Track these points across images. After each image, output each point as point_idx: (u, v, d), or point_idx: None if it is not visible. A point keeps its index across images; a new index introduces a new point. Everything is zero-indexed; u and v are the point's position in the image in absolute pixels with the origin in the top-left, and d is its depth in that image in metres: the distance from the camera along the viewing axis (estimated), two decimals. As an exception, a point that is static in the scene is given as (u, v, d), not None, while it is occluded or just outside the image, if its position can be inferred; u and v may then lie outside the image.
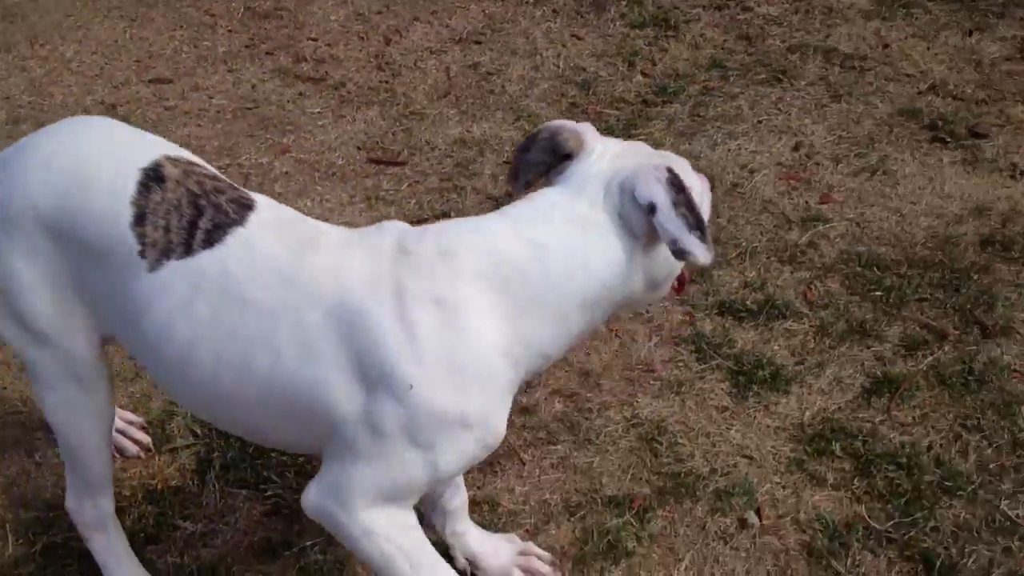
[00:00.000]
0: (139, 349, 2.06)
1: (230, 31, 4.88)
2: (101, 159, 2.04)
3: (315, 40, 4.77)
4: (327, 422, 1.92)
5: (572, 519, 2.67)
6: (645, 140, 3.94)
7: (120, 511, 2.69)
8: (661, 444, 2.83)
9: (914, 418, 2.85)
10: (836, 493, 2.69)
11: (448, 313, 1.85)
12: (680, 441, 2.84)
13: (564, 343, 1.98)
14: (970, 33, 4.43)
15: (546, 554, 2.55)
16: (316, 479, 2.00)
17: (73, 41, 4.84)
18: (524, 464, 2.81)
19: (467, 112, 4.28)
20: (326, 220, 3.69)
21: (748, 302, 3.24)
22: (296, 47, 4.73)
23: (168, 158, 2.05)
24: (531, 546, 2.54)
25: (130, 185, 1.98)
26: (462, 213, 3.64)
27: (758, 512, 2.66)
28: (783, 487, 2.72)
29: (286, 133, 4.18)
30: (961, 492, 2.65)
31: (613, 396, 2.98)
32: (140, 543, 2.63)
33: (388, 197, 3.84)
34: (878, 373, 2.98)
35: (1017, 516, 2.58)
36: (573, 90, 4.37)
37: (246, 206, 2.02)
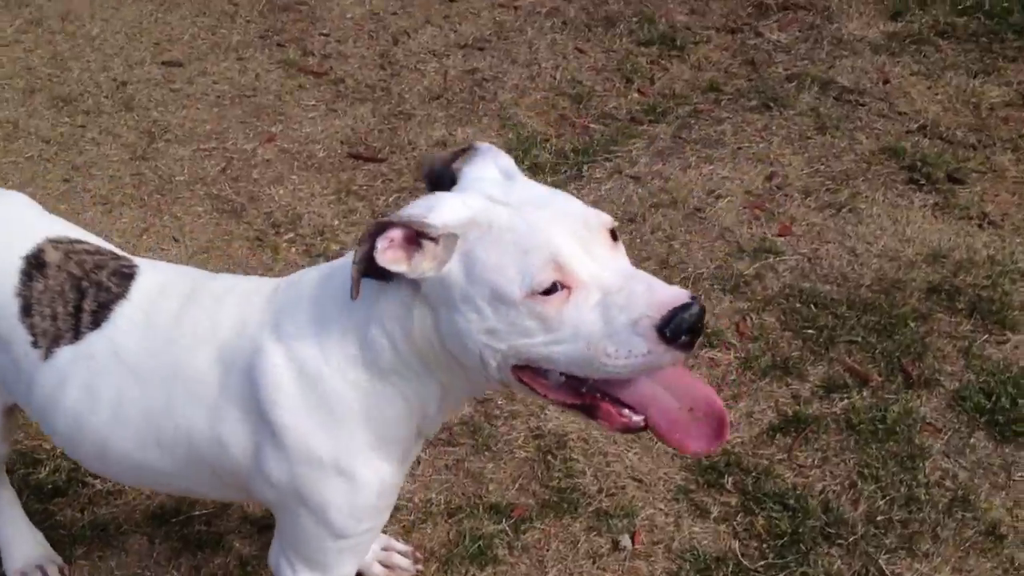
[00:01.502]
0: (56, 437, 2.07)
1: (248, 21, 5.02)
2: None
3: (326, 35, 4.89)
4: (238, 475, 1.93)
5: (450, 520, 2.71)
6: (623, 158, 3.99)
7: (38, 462, 2.85)
8: (556, 458, 2.85)
9: (814, 461, 2.82)
10: (716, 527, 2.68)
11: (311, 357, 1.79)
12: (575, 457, 2.86)
13: (432, 396, 1.80)
14: (975, 75, 4.32)
15: (407, 548, 2.60)
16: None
17: (101, 19, 5.04)
18: (419, 462, 2.86)
19: (455, 116, 4.33)
20: (295, 210, 3.84)
21: (680, 328, 3.22)
22: (307, 41, 4.85)
23: (50, 241, 2.06)
24: (393, 542, 2.60)
25: (13, 276, 2.01)
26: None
27: (633, 536, 2.66)
28: (665, 514, 2.72)
29: (276, 122, 4.30)
30: (842, 541, 2.61)
31: (524, 406, 3.01)
32: (48, 494, 2.78)
33: (360, 192, 3.93)
34: (789, 412, 2.95)
35: (893, 573, 2.54)
36: (565, 102, 4.39)
37: (127, 276, 2.02)
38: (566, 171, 3.98)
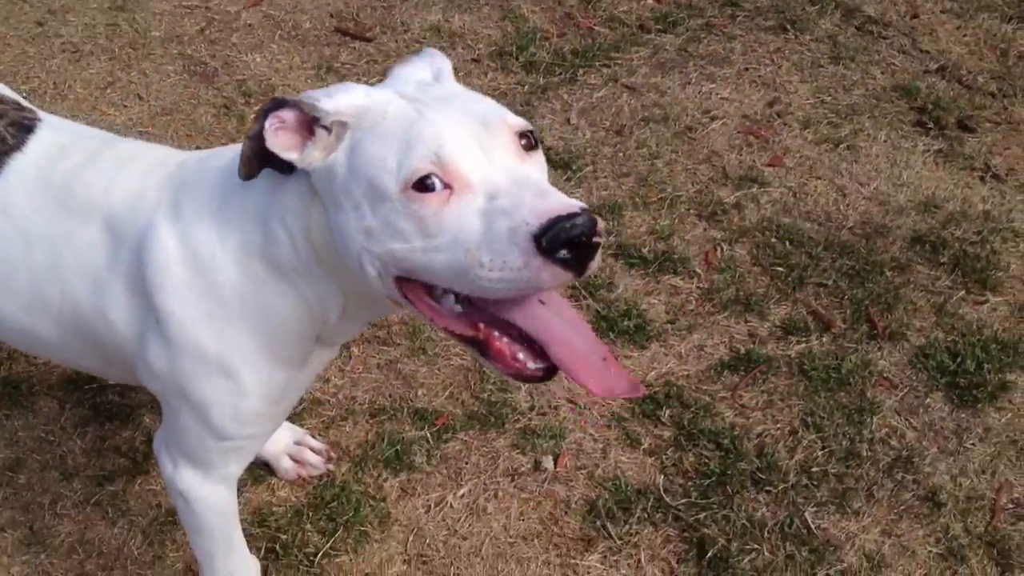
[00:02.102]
0: None
1: None
2: None
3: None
4: (123, 356, 1.80)
5: (371, 421, 2.62)
6: (622, 66, 3.79)
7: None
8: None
9: (758, 403, 2.69)
10: (644, 459, 2.57)
11: (206, 242, 1.65)
12: (512, 371, 2.74)
13: (332, 296, 1.64)
14: (1009, 20, 4.04)
15: (321, 446, 2.51)
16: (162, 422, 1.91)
17: None
18: (351, 358, 2.75)
19: (455, 1, 4.12)
20: (269, 81, 3.67)
21: (645, 250, 3.08)
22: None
23: None
24: (307, 438, 2.51)
25: None
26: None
27: (556, 459, 2.56)
28: (595, 440, 2.61)
29: (267, -13, 4.10)
30: (771, 488, 2.50)
31: (470, 313, 2.88)
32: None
33: (341, 70, 3.75)
34: (742, 350, 2.81)
35: (818, 527, 2.43)
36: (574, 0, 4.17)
37: (26, 129, 1.89)
38: (560, 73, 3.78)
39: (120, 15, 3.90)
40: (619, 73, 3.79)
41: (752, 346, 2.83)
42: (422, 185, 1.36)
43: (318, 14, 4.00)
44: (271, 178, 1.56)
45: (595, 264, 1.35)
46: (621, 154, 3.44)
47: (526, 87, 3.72)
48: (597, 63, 3.83)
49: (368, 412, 2.63)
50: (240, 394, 1.70)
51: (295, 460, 2.47)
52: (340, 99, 1.48)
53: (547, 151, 3.42)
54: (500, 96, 3.65)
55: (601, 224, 1.33)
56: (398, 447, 2.55)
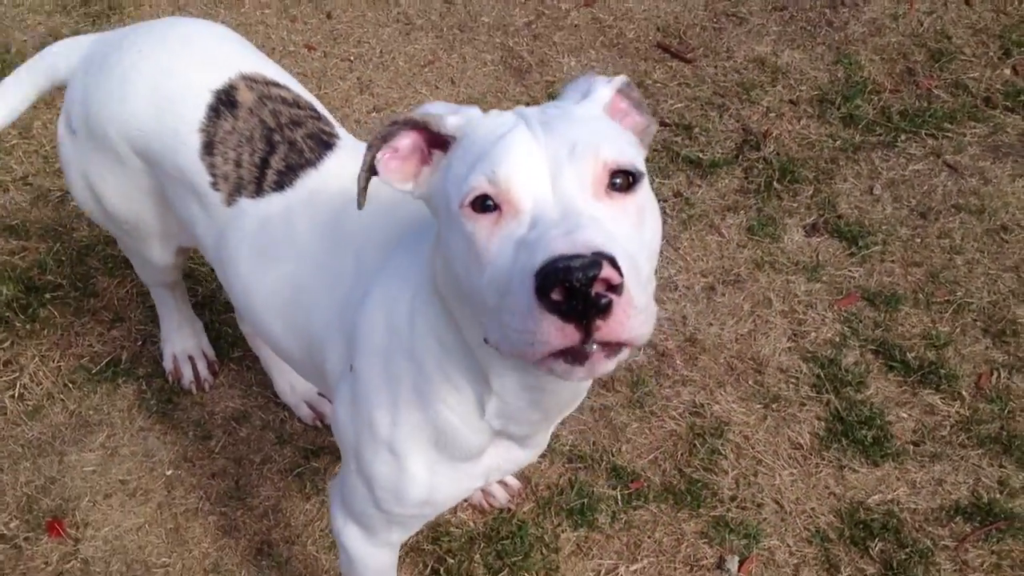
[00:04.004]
0: (216, 267, 2.03)
1: None
2: (174, 77, 1.93)
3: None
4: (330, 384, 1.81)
5: (568, 465, 2.60)
6: (950, 140, 3.46)
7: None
8: (704, 445, 2.63)
9: (984, 564, 2.41)
10: (836, 588, 2.38)
11: (400, 312, 1.59)
12: (725, 453, 2.62)
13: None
14: None
15: (515, 484, 2.51)
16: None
17: None
18: (569, 394, 2.73)
19: (790, 35, 3.91)
20: None
21: (912, 355, 2.81)
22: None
23: (244, 78, 1.93)
24: (509, 476, 2.50)
25: (200, 109, 1.89)
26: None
27: (742, 563, 2.42)
28: (791, 553, 2.45)
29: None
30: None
31: (704, 376, 2.78)
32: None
33: (651, 88, 3.67)
34: (985, 497, 2.52)
35: None
36: (920, 55, 3.81)
37: (325, 144, 1.90)
38: (880, 134, 3.51)
39: (458, -6, 4.03)
40: (944, 147, 3.46)
41: (998, 496, 2.53)
42: (481, 206, 1.25)
43: (645, 25, 3.94)
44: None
45: (611, 330, 1.12)
46: (918, 240, 3.15)
47: (837, 142, 3.48)
48: (924, 131, 3.51)
49: (567, 455, 2.61)
50: (406, 479, 1.64)
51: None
52: (464, 113, 1.39)
53: (837, 219, 3.20)
54: (807, 147, 3.44)
55: (610, 273, 1.10)
56: (585, 500, 2.51)
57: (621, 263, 1.13)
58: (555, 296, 1.10)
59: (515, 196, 1.23)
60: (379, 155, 1.41)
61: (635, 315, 1.14)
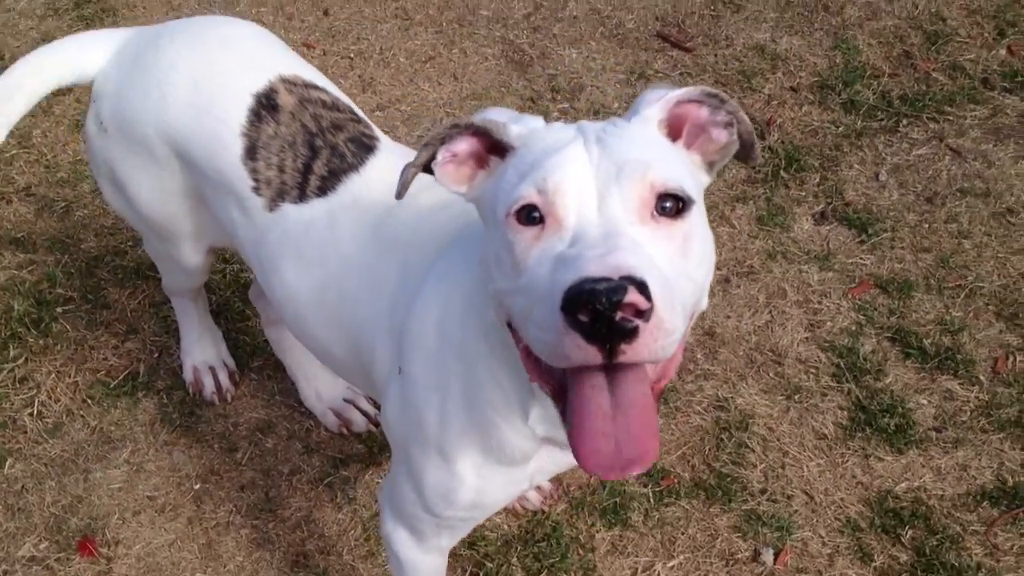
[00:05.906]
0: (256, 269, 2.03)
1: None
2: (214, 78, 1.92)
3: None
4: (378, 387, 1.83)
5: (598, 465, 2.60)
6: (951, 124, 3.48)
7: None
8: (731, 439, 2.64)
9: (1013, 547, 2.44)
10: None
11: (453, 315, 1.61)
12: (752, 446, 2.64)
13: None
14: None
15: (549, 487, 2.51)
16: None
17: None
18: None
19: (787, 21, 3.91)
20: (579, 80, 3.66)
21: (928, 341, 2.84)
22: None
23: (284, 81, 1.92)
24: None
25: (241, 112, 1.89)
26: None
27: (777, 555, 2.44)
28: (823, 543, 2.47)
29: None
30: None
31: (725, 369, 2.79)
32: (239, 315, 2.90)
33: (653, 78, 3.66)
34: (1010, 481, 2.55)
35: None
36: (916, 38, 3.83)
37: (366, 148, 1.90)
38: (882, 119, 3.53)
39: (454, -12, 4.00)
40: (946, 131, 3.49)
41: (1023, 479, 2.56)
42: (527, 218, 1.26)
43: (644, 15, 3.93)
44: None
45: (636, 353, 1.13)
46: (926, 225, 3.18)
47: (840, 128, 3.50)
48: (925, 115, 3.54)
49: (597, 453, 2.61)
50: (455, 481, 1.64)
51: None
52: (526, 122, 1.40)
53: (845, 207, 3.21)
54: (810, 134, 3.46)
55: (636, 299, 1.11)
56: (617, 499, 2.52)
57: (654, 288, 1.14)
58: (582, 317, 1.11)
59: (560, 210, 1.25)
60: (438, 156, 1.41)
61: (664, 338, 1.15)
